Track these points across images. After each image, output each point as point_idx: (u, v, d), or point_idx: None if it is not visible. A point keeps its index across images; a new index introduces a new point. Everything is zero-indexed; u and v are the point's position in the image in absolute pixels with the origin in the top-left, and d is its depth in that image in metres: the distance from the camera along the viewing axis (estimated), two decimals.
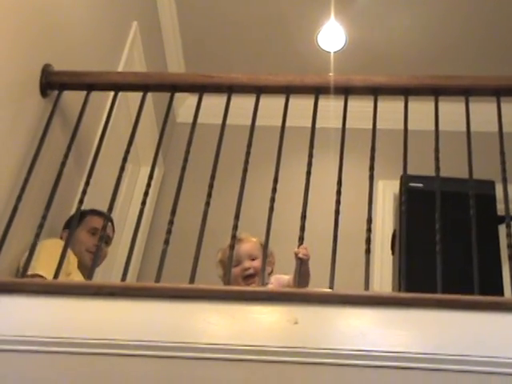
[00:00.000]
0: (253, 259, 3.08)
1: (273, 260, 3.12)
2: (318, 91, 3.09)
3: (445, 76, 3.07)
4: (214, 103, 3.69)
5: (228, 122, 3.09)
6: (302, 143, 3.40)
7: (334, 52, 4.87)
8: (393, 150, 3.39)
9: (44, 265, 2.84)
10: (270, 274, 3.08)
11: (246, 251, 3.08)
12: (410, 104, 3.05)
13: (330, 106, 3.61)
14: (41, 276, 2.88)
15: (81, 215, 3.16)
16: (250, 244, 3.12)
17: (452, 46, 4.82)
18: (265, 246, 2.74)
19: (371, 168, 2.88)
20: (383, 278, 4.15)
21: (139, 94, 3.28)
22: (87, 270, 3.20)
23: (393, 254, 3.57)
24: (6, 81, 2.89)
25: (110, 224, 3.32)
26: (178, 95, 3.21)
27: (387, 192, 4.58)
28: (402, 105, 3.05)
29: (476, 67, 4.48)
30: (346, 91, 3.09)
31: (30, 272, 2.79)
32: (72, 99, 3.33)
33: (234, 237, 2.73)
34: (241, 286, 3.01)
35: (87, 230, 3.30)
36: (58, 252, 2.90)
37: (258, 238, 3.07)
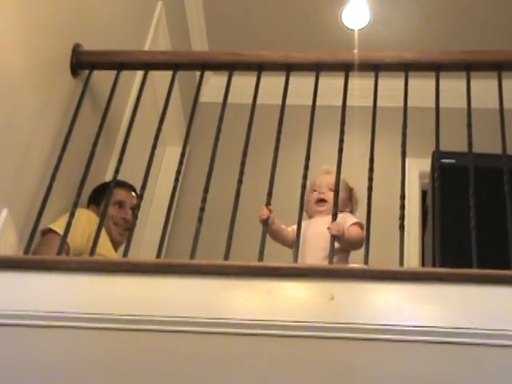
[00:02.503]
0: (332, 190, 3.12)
1: (354, 202, 3.22)
2: (349, 68, 3.08)
3: (477, 51, 3.05)
4: (239, 82, 3.67)
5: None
6: (328, 121, 3.40)
7: (359, 30, 4.84)
8: (416, 128, 3.39)
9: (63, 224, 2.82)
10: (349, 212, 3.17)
11: (327, 182, 3.15)
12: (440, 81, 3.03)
13: (355, 85, 3.59)
14: (53, 230, 2.92)
15: (103, 188, 3.17)
16: (333, 177, 3.06)
17: (480, 22, 4.76)
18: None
19: (403, 144, 2.87)
20: (410, 255, 4.14)
21: (164, 73, 3.27)
22: (115, 244, 3.23)
23: (423, 229, 3.57)
24: (37, 61, 2.90)
25: (133, 194, 3.33)
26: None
27: (413, 170, 4.56)
28: (431, 82, 3.03)
29: (507, 42, 4.45)
30: (376, 68, 3.08)
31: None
32: (100, 78, 3.34)
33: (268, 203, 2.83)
34: (313, 209, 3.15)
35: (112, 204, 3.20)
36: (83, 220, 2.96)
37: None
